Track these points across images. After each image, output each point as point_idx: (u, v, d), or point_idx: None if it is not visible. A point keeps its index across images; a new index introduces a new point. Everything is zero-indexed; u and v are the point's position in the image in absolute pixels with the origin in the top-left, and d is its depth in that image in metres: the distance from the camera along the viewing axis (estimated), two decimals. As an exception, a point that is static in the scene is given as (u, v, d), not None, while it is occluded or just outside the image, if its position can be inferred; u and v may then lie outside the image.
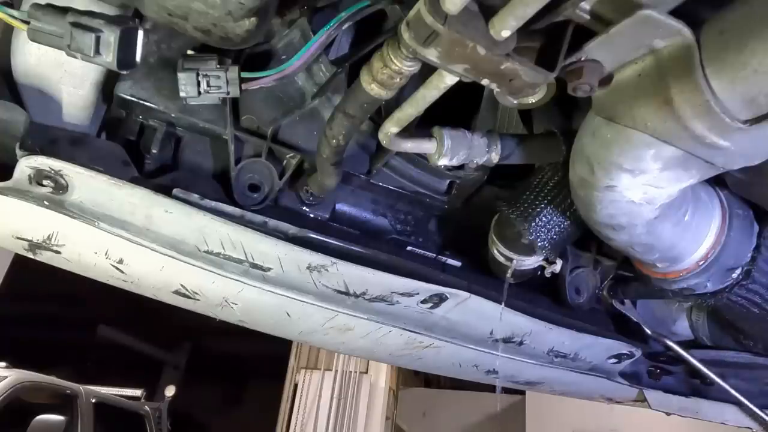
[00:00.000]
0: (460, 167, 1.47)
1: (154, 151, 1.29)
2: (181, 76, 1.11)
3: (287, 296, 1.36)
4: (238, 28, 0.96)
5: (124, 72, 1.09)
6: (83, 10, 0.96)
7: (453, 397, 8.46)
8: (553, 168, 1.29)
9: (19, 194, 1.12)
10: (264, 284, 1.33)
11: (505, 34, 0.79)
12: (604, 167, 1.01)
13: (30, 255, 1.26)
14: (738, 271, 1.23)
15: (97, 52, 0.95)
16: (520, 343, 1.63)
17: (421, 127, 1.22)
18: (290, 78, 1.28)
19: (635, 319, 1.75)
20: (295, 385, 8.06)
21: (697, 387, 2.08)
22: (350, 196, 1.52)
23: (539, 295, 1.66)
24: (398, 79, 0.95)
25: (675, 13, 0.82)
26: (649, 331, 1.74)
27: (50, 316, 9.60)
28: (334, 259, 1.31)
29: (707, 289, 1.26)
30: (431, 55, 0.84)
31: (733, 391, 1.77)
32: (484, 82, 0.88)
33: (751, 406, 1.76)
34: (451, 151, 1.15)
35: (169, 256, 1.24)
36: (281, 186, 1.34)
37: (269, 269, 1.31)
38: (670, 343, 1.75)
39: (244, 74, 1.16)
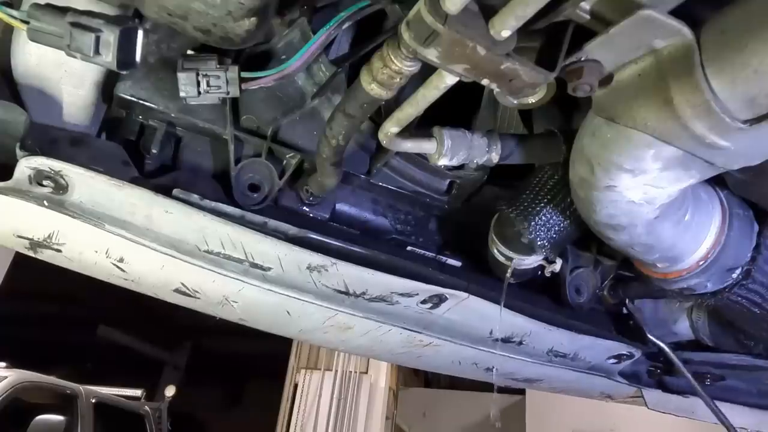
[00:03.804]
0: (460, 167, 1.47)
1: (154, 151, 1.28)
2: (181, 76, 1.10)
3: (287, 295, 1.36)
4: (238, 28, 0.96)
5: (124, 72, 1.09)
6: (83, 10, 0.96)
7: (453, 397, 8.46)
8: (553, 167, 1.29)
9: (19, 194, 1.12)
10: (264, 283, 1.33)
11: (505, 34, 0.79)
12: (604, 167, 1.01)
13: (31, 253, 1.26)
14: (738, 271, 1.23)
15: (97, 52, 0.95)
16: (520, 343, 1.63)
17: (421, 127, 1.22)
18: (290, 78, 1.28)
19: (638, 320, 1.75)
20: (295, 385, 8.06)
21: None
22: (350, 196, 1.52)
23: (539, 295, 1.65)
24: (398, 79, 0.95)
25: (675, 13, 0.82)
26: (649, 336, 1.74)
27: (50, 316, 9.61)
28: (334, 260, 1.31)
29: (707, 289, 1.26)
30: (431, 55, 0.84)
31: (701, 391, 1.76)
32: (484, 82, 0.88)
33: (712, 404, 1.75)
34: (451, 151, 1.15)
35: (170, 255, 1.25)
36: (281, 186, 1.34)
37: (269, 269, 1.31)
38: (660, 343, 1.74)
39: (244, 74, 1.16)
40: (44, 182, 1.13)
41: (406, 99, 1.03)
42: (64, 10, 0.95)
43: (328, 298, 1.40)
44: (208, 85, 1.11)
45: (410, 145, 1.14)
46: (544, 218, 1.29)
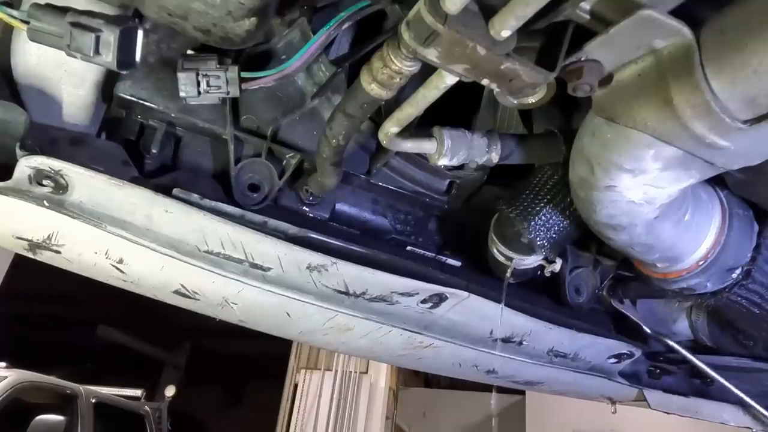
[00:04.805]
0: (460, 167, 1.47)
1: (154, 151, 1.28)
2: (181, 76, 1.10)
3: (287, 296, 1.36)
4: (238, 28, 0.96)
5: (124, 72, 1.09)
6: (83, 10, 0.96)
7: (453, 397, 8.46)
8: (553, 167, 1.29)
9: (19, 194, 1.12)
10: (264, 284, 1.33)
11: (505, 34, 0.79)
12: (604, 167, 1.01)
13: (30, 255, 1.26)
14: (738, 271, 1.23)
15: (97, 52, 0.95)
16: (520, 343, 1.63)
17: (421, 127, 1.22)
18: (290, 78, 1.28)
19: (635, 320, 1.75)
20: (295, 385, 8.05)
21: (696, 387, 2.08)
22: (350, 196, 1.52)
23: (539, 295, 1.66)
24: (398, 79, 0.95)
25: (675, 13, 0.82)
26: (650, 332, 1.74)
27: (50, 316, 9.60)
28: (334, 259, 1.31)
29: (707, 289, 1.26)
30: (431, 55, 0.84)
31: (735, 390, 1.76)
32: (484, 82, 0.88)
33: (754, 404, 1.76)
34: (451, 151, 1.15)
35: (169, 255, 1.24)
36: (281, 186, 1.34)
37: (269, 269, 1.31)
38: (673, 345, 1.74)
39: (244, 74, 1.16)
40: (44, 182, 1.13)
41: (406, 99, 1.03)
42: (64, 10, 0.95)
43: (328, 299, 1.40)
44: (208, 85, 1.11)
45: (410, 145, 1.14)
46: (543, 218, 1.29)
